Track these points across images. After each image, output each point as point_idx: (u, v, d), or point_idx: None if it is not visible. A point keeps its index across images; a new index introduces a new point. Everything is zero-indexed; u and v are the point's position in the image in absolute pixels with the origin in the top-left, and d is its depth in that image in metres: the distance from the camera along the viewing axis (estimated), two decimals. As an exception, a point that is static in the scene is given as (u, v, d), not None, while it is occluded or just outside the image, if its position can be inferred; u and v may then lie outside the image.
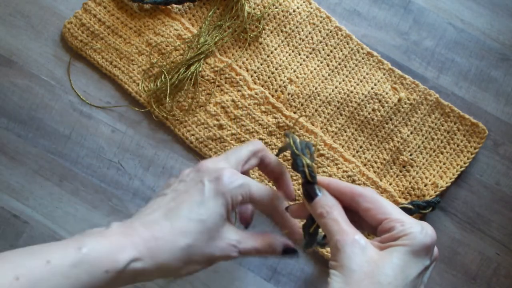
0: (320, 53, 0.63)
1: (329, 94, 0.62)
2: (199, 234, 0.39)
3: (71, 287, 0.35)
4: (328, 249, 0.58)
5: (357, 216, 0.40)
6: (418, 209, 0.57)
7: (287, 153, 0.60)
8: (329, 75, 0.62)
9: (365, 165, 0.61)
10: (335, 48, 0.63)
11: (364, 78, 0.62)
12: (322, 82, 0.62)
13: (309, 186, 0.40)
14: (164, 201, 0.41)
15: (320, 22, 0.63)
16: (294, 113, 0.61)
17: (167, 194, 0.42)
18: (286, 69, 0.62)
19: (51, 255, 0.35)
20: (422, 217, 0.60)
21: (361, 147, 0.61)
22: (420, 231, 0.37)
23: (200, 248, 0.39)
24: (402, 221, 0.37)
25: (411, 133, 0.61)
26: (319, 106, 0.62)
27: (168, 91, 0.60)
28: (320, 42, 0.63)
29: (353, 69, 0.62)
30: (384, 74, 0.62)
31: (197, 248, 0.39)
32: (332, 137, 0.61)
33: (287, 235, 0.45)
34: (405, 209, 0.57)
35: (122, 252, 0.36)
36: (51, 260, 0.35)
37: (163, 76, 0.61)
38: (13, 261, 0.35)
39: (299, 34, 0.63)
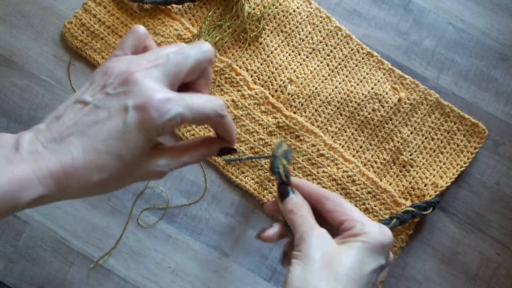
0: (320, 53, 0.63)
1: (329, 94, 0.62)
2: (116, 169, 0.34)
3: None
4: None
5: (321, 218, 0.42)
6: (420, 211, 0.57)
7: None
8: (329, 75, 0.62)
9: (365, 165, 0.61)
10: (335, 48, 0.63)
11: (364, 78, 0.62)
12: (322, 82, 0.62)
13: (283, 187, 0.42)
14: (82, 120, 0.34)
15: (320, 22, 0.63)
16: (294, 113, 0.61)
17: (87, 103, 0.35)
18: (286, 69, 0.62)
19: None
20: (422, 217, 0.60)
21: (361, 147, 0.61)
22: (378, 230, 0.39)
23: (118, 180, 0.35)
24: (362, 222, 0.40)
25: (411, 133, 0.61)
26: (319, 106, 0.62)
27: (168, 91, 0.60)
28: (320, 42, 0.63)
29: (353, 69, 0.62)
30: (384, 74, 0.62)
31: (113, 180, 0.35)
32: (332, 137, 0.61)
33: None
34: (407, 212, 0.57)
35: (26, 190, 0.32)
36: None
37: (163, 76, 0.61)
38: None
39: (299, 34, 0.63)
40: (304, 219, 0.40)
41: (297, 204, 0.41)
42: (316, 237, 0.38)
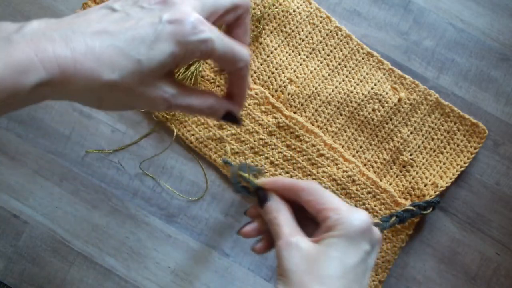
0: (320, 53, 0.63)
1: (329, 94, 0.62)
2: (129, 74, 0.32)
3: None
4: None
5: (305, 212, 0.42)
6: (420, 210, 0.57)
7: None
8: (329, 75, 0.62)
9: (365, 165, 0.61)
10: (335, 48, 0.63)
11: (364, 78, 0.62)
12: (322, 82, 0.62)
13: (258, 193, 0.41)
14: (108, 17, 0.32)
15: (320, 22, 0.63)
16: (294, 113, 0.61)
17: (116, 10, 0.33)
18: (286, 69, 0.62)
19: None
20: (422, 217, 0.60)
21: (361, 147, 0.61)
22: (353, 217, 0.37)
23: (125, 89, 0.32)
24: (337, 210, 0.38)
25: (411, 133, 0.61)
26: (319, 106, 0.62)
27: (168, 91, 0.60)
28: (320, 42, 0.63)
29: (353, 69, 0.62)
30: (384, 74, 0.62)
31: (121, 87, 0.32)
32: (332, 137, 0.61)
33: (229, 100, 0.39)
34: (407, 211, 0.57)
35: (26, 73, 0.29)
36: None
37: (163, 76, 0.61)
38: None
39: (299, 34, 0.63)
40: (279, 228, 0.39)
41: (274, 211, 0.40)
42: (286, 248, 0.37)
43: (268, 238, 0.42)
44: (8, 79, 0.28)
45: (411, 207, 0.57)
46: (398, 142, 0.61)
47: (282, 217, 0.40)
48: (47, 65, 0.29)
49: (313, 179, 0.60)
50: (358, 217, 0.38)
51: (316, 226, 0.39)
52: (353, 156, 0.61)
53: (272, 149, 0.61)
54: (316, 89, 0.62)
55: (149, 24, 0.32)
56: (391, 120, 0.61)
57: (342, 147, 0.61)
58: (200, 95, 0.37)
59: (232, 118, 0.39)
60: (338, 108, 0.62)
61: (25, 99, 0.30)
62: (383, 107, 0.61)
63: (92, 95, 0.32)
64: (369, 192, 0.59)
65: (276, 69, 0.62)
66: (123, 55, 0.31)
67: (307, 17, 0.63)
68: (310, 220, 0.40)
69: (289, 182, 0.41)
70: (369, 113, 0.61)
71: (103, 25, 0.32)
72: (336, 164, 0.60)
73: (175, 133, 0.61)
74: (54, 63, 0.29)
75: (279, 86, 0.62)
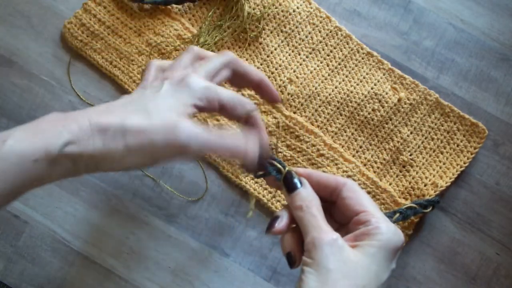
0: (320, 53, 0.63)
1: (329, 94, 0.62)
2: (147, 120, 0.36)
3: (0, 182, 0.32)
4: None
5: (331, 209, 0.41)
6: (422, 209, 0.57)
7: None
8: (329, 75, 0.62)
9: (365, 165, 0.61)
10: (335, 48, 0.63)
11: (364, 78, 0.62)
12: (322, 82, 0.62)
13: (290, 178, 0.39)
14: (117, 100, 0.38)
15: (320, 22, 0.63)
16: (294, 113, 0.61)
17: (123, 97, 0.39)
18: (286, 69, 0.62)
19: None
20: (422, 217, 0.60)
21: (361, 147, 0.61)
22: (392, 232, 0.37)
23: (148, 136, 0.36)
24: (376, 217, 0.37)
25: (411, 133, 0.61)
26: (319, 106, 0.62)
27: (168, 91, 0.60)
28: (320, 42, 0.63)
29: (353, 69, 0.62)
30: (384, 74, 0.62)
31: (144, 135, 0.35)
32: (332, 137, 0.61)
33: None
34: (410, 208, 0.56)
35: (52, 138, 0.34)
36: None
37: (163, 76, 0.61)
38: None
39: (299, 34, 0.63)
40: (314, 219, 0.37)
41: (305, 199, 0.38)
42: (329, 244, 0.36)
43: (292, 217, 0.40)
44: (37, 142, 0.34)
45: (414, 205, 0.56)
46: (398, 142, 0.61)
47: (316, 208, 0.38)
48: (71, 128, 0.35)
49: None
50: (398, 232, 0.37)
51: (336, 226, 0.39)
52: (353, 156, 0.61)
53: (272, 149, 0.61)
54: (316, 89, 0.62)
55: (155, 88, 0.39)
56: (391, 120, 0.61)
57: (342, 147, 0.61)
58: (223, 136, 0.39)
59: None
60: (338, 108, 0.62)
61: (55, 164, 0.34)
62: (383, 107, 0.61)
63: (117, 146, 0.36)
64: (369, 192, 0.59)
65: (276, 69, 0.62)
66: (139, 110, 0.37)
67: (307, 17, 0.63)
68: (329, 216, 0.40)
69: (327, 176, 0.40)
70: (369, 113, 0.61)
71: (115, 102, 0.38)
72: (336, 164, 0.60)
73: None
74: (77, 126, 0.35)
75: (279, 86, 0.62)
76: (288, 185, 0.39)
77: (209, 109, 0.39)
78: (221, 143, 0.38)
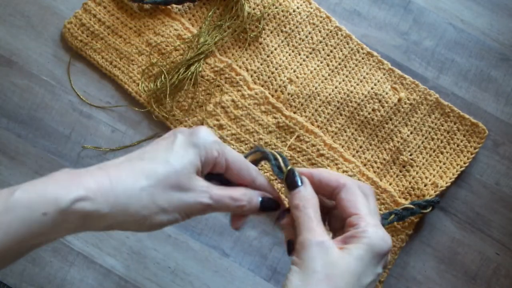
0: (320, 53, 0.63)
1: (329, 94, 0.62)
2: (164, 177, 0.35)
3: (4, 235, 0.30)
4: None
5: (328, 210, 0.42)
6: (420, 209, 0.57)
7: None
8: (329, 75, 0.62)
9: (365, 165, 0.61)
10: (335, 48, 0.63)
11: (364, 78, 0.62)
12: (322, 82, 0.62)
13: (291, 176, 0.40)
14: (130, 154, 0.38)
15: (320, 22, 0.63)
16: (294, 113, 0.61)
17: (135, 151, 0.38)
18: (286, 69, 0.62)
19: None
20: (422, 217, 0.60)
21: (361, 147, 0.61)
22: (379, 236, 0.38)
23: (166, 193, 0.35)
24: (366, 221, 0.38)
25: (411, 133, 0.61)
26: (319, 106, 0.62)
27: (168, 91, 0.60)
28: (320, 42, 0.63)
29: (353, 69, 0.62)
30: (384, 74, 0.62)
31: (161, 192, 0.35)
32: (332, 137, 0.61)
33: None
34: (407, 209, 0.57)
35: (64, 191, 0.32)
36: None
37: (163, 76, 0.61)
38: None
39: (299, 34, 0.63)
40: (308, 220, 0.38)
41: (303, 198, 0.39)
42: (317, 246, 0.37)
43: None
44: (46, 195, 0.32)
45: (411, 206, 0.57)
46: (398, 142, 0.61)
47: (312, 209, 0.39)
48: (84, 184, 0.33)
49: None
50: (385, 238, 0.38)
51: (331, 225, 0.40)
52: (353, 156, 0.61)
53: (272, 149, 0.61)
54: (316, 89, 0.62)
55: (168, 141, 0.38)
56: (391, 120, 0.61)
57: (342, 147, 0.61)
58: (234, 187, 0.40)
59: (270, 203, 0.40)
60: (338, 108, 0.62)
61: (64, 219, 0.33)
62: (383, 107, 0.61)
63: (134, 205, 0.35)
64: (369, 192, 0.59)
65: (276, 69, 0.62)
66: (154, 162, 0.36)
67: (307, 17, 0.63)
68: (324, 215, 0.40)
69: (331, 174, 0.41)
70: (369, 113, 0.61)
71: (129, 156, 0.38)
72: (336, 164, 0.60)
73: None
74: (91, 182, 0.33)
75: (279, 86, 0.62)
76: (289, 182, 0.40)
77: (214, 162, 0.39)
78: (228, 203, 0.39)
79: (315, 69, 0.62)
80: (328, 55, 0.63)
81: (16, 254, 0.33)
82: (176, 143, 0.37)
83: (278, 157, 0.41)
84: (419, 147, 0.61)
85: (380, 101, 0.61)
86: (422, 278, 0.59)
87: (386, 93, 0.61)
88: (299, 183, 0.39)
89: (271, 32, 0.63)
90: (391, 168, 0.61)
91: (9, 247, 0.31)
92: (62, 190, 0.32)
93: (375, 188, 0.59)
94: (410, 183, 0.60)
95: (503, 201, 0.61)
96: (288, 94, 0.62)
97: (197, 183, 0.37)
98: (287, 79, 0.62)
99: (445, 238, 0.60)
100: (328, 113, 0.62)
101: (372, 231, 0.37)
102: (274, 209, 0.41)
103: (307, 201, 0.39)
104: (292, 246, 0.40)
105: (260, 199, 0.40)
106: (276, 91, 0.62)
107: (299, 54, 0.63)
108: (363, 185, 0.41)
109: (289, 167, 0.40)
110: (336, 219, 0.42)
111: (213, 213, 0.60)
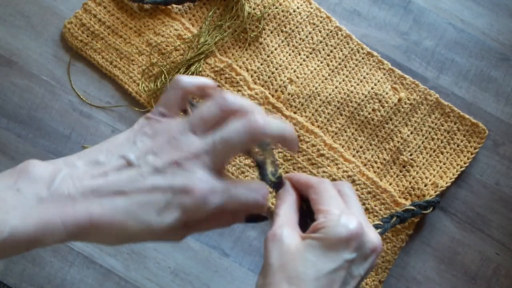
0: (320, 53, 0.63)
1: (329, 94, 0.62)
2: (140, 232, 0.35)
3: None
4: None
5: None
6: (420, 210, 0.57)
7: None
8: (329, 75, 0.62)
9: (365, 165, 0.61)
10: (335, 48, 0.63)
11: (364, 78, 0.62)
12: (322, 82, 0.62)
13: (277, 179, 0.41)
14: (123, 174, 0.35)
15: (320, 22, 0.63)
16: (294, 113, 0.61)
17: (132, 164, 0.35)
18: (286, 69, 0.62)
19: None
20: (422, 217, 0.60)
21: (361, 147, 0.61)
22: (338, 224, 0.37)
23: (140, 238, 0.35)
24: (327, 212, 0.38)
25: (411, 133, 0.61)
26: (319, 106, 0.62)
27: (168, 91, 0.60)
28: (320, 42, 0.63)
29: (353, 69, 0.62)
30: (384, 74, 0.62)
31: (134, 239, 0.36)
32: (332, 137, 0.61)
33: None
34: (408, 211, 0.57)
35: (51, 235, 0.33)
36: None
37: (163, 76, 0.61)
38: None
39: (299, 34, 0.63)
40: (276, 218, 0.39)
41: (278, 199, 0.40)
42: (270, 240, 0.37)
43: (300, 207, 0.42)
44: (34, 237, 0.32)
45: (412, 207, 0.57)
46: (398, 142, 0.61)
47: (283, 207, 0.39)
48: (68, 228, 0.33)
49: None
50: (344, 223, 0.37)
51: None
52: (353, 156, 0.61)
53: (272, 149, 0.61)
54: (316, 89, 0.62)
55: (161, 193, 0.34)
56: (391, 120, 0.61)
57: (342, 147, 0.61)
58: (215, 217, 0.38)
59: (254, 218, 0.39)
60: (338, 108, 0.62)
61: (42, 247, 0.34)
62: (383, 107, 0.61)
63: (111, 242, 0.36)
64: (369, 192, 0.60)
65: (276, 69, 0.62)
66: (135, 219, 0.34)
67: (307, 17, 0.63)
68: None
69: (302, 177, 0.41)
70: (369, 113, 0.61)
71: (120, 185, 0.34)
72: (336, 164, 0.60)
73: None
74: (75, 227, 0.33)
75: (279, 86, 0.62)
76: (275, 188, 0.41)
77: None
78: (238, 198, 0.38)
79: (315, 69, 0.62)
80: (328, 55, 0.63)
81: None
82: (167, 205, 0.35)
83: (268, 162, 0.41)
84: (419, 147, 0.61)
85: (380, 101, 0.61)
86: (422, 278, 0.59)
87: (386, 93, 0.61)
88: (281, 187, 0.41)
89: (271, 32, 0.63)
90: (391, 168, 0.61)
91: None
92: (46, 235, 0.33)
93: (375, 188, 0.59)
94: (410, 183, 0.60)
95: (503, 201, 0.61)
96: (288, 94, 0.62)
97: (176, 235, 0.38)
98: (287, 79, 0.62)
99: (445, 238, 0.60)
100: (328, 113, 0.62)
101: (329, 219, 0.37)
102: (259, 219, 0.41)
103: (281, 200, 0.40)
104: None
105: (244, 218, 0.40)
106: (276, 91, 0.62)
107: (299, 54, 0.63)
108: (339, 183, 0.41)
109: (277, 174, 0.41)
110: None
111: (213, 213, 0.60)
